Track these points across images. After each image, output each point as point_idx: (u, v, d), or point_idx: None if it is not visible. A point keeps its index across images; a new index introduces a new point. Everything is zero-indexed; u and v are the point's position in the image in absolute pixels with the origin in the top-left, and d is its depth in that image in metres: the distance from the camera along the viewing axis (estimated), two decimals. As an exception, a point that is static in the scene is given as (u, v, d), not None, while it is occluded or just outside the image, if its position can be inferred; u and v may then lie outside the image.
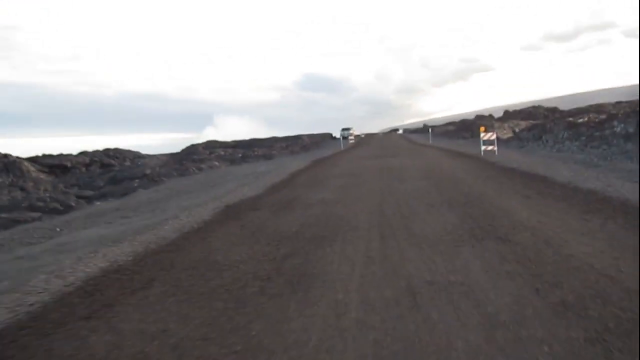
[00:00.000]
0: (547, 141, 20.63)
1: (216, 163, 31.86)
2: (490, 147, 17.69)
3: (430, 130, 43.43)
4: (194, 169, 29.24)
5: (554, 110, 58.39)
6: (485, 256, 4.81)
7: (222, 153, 40.80)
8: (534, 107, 61.08)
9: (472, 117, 79.88)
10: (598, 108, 52.70)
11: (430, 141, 36.33)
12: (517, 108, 63.29)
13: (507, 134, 38.33)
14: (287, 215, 8.32)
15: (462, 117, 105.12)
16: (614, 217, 5.96)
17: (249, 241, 6.50)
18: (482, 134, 18.26)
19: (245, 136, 71.85)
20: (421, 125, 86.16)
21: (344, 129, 58.66)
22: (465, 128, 48.51)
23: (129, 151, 43.46)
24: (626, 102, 56.62)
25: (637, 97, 60.44)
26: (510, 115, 59.83)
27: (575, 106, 57.10)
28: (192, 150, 51.87)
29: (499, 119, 56.46)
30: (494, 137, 17.92)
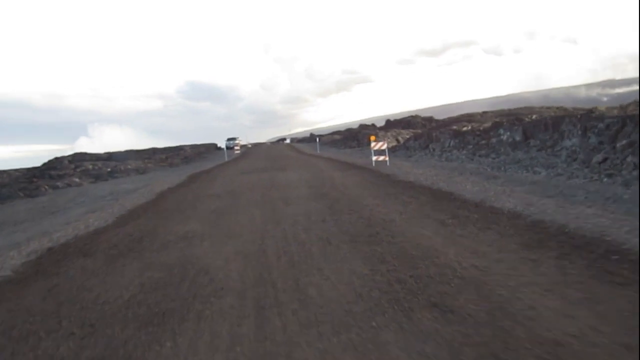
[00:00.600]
0: (434, 150, 20.23)
1: (77, 179, 27.19)
2: (381, 158, 16.54)
3: (317, 139, 42.28)
4: (46, 187, 24.48)
5: (430, 119, 61.68)
6: (430, 351, 2.86)
7: (90, 167, 35.65)
8: (412, 116, 63.96)
9: (356, 126, 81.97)
10: (469, 117, 56.44)
11: (318, 150, 35.17)
12: (397, 117, 66.02)
13: (391, 143, 38.74)
14: (126, 265, 5.72)
15: (346, 126, 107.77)
16: (568, 255, 4.45)
17: (40, 328, 3.88)
18: (372, 144, 17.08)
19: (124, 147, 65.31)
20: (308, 135, 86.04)
21: (229, 139, 55.56)
22: (352, 137, 48.58)
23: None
24: (491, 111, 61.86)
25: (501, 108, 66.30)
26: (391, 124, 61.90)
27: (447, 116, 61.22)
28: (54, 165, 45.04)
29: (382, 128, 57.98)
30: (384, 146, 16.84)
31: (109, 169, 31.99)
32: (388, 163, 16.28)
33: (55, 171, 35.41)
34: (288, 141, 77.90)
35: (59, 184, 25.47)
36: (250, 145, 69.76)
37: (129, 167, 32.36)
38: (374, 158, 16.62)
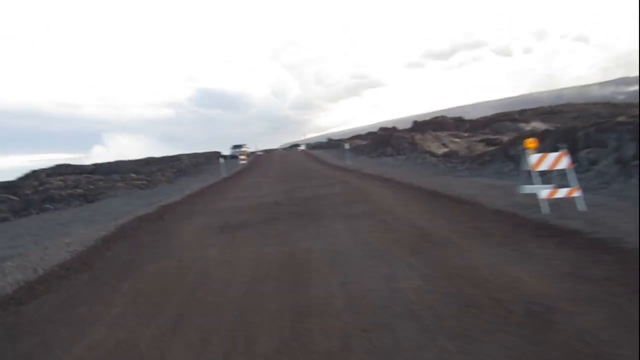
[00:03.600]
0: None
1: None
2: (562, 192, 6.48)
3: (347, 146, 31.66)
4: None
5: (460, 119, 51.85)
6: None
7: (49, 186, 26.39)
8: (439, 117, 54.04)
9: (373, 129, 71.60)
10: (507, 116, 46.37)
11: (349, 160, 25.29)
12: (407, 120, 57.60)
13: (440, 149, 28.82)
14: None
15: (361, 131, 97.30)
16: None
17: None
18: (531, 158, 6.90)
19: (138, 155, 56.64)
20: (324, 140, 75.93)
21: (234, 146, 45.96)
22: (383, 142, 38.41)
23: None
24: (530, 109, 51.86)
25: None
26: (420, 125, 51.90)
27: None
28: (25, 180, 35.98)
29: (410, 130, 47.90)
30: (564, 164, 6.73)
31: (68, 191, 22.68)
32: (583, 205, 6.31)
33: (19, 189, 26.23)
34: (303, 147, 67.02)
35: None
36: (260, 153, 60.04)
37: (91, 187, 22.94)
38: (543, 193, 6.52)
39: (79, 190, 20.32)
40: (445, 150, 27.77)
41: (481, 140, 30.82)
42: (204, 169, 34.48)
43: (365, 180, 14.24)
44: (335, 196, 10.68)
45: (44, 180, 30.64)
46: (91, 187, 22.62)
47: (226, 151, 47.82)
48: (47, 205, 15.49)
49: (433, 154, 26.55)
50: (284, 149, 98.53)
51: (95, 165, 45.82)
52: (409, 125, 59.99)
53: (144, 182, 24.11)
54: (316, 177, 17.34)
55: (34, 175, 41.85)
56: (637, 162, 7.82)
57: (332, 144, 54.91)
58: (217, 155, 46.06)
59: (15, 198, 20.35)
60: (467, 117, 52.73)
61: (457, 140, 33.21)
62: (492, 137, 31.65)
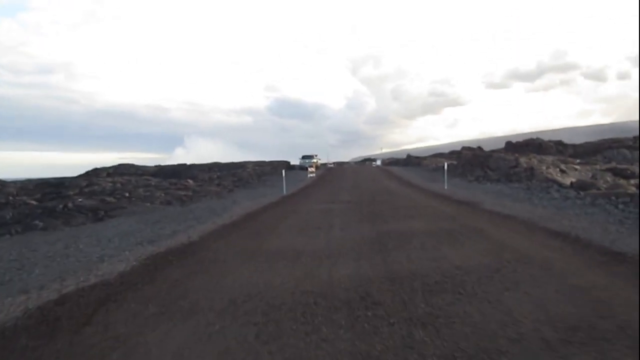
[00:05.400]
0: None
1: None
2: None
3: (445, 166, 23.58)
4: None
5: (561, 143, 43.33)
6: None
7: (96, 188, 22.93)
8: (535, 138, 45.58)
9: (453, 149, 63.71)
10: (616, 142, 39.88)
11: (446, 186, 18.84)
12: (486, 142, 49.40)
13: (567, 178, 21.65)
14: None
15: (438, 149, 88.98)
16: None
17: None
18: None
19: (215, 159, 54.58)
20: (400, 156, 68.97)
21: (304, 157, 40.85)
22: (479, 163, 31.26)
23: None
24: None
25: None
26: (514, 147, 43.96)
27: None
28: (91, 177, 33.55)
29: (504, 151, 40.26)
30: None
31: (91, 202, 18.63)
32: None
33: (64, 189, 22.98)
34: (378, 163, 60.08)
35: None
36: (332, 165, 54.72)
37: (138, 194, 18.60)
38: None
39: (110, 199, 15.85)
40: (572, 180, 20.57)
41: (607, 170, 23.31)
42: (267, 179, 29.59)
43: (506, 228, 7.97)
44: (478, 270, 4.72)
45: (93, 182, 27.25)
46: (126, 195, 18.27)
47: (296, 161, 43.00)
48: (37, 222, 11.09)
49: (559, 184, 19.52)
50: (356, 162, 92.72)
51: (159, 167, 43.04)
52: (490, 145, 51.93)
53: (189, 193, 19.41)
54: (409, 208, 11.28)
55: (95, 172, 39.76)
56: None
57: (411, 161, 48.10)
58: (285, 165, 41.26)
59: (33, 203, 16.40)
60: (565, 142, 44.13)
61: (577, 167, 25.60)
62: (619, 167, 24.14)
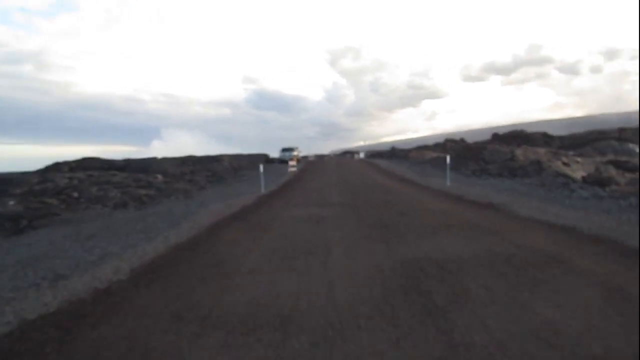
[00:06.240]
0: None
1: None
2: None
3: (447, 159, 18.34)
4: None
5: (546, 134, 41.81)
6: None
7: (51, 186, 19.72)
8: (520, 130, 43.98)
9: (430, 141, 61.64)
10: (602, 134, 39.35)
11: (448, 182, 16.36)
12: (467, 133, 48.29)
13: (579, 173, 19.86)
14: None
15: (417, 142, 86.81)
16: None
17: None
18: None
19: (193, 152, 51.11)
20: (381, 148, 66.46)
21: (284, 149, 37.97)
22: (472, 156, 29.19)
23: None
24: (630, 128, 41.79)
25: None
26: (499, 138, 42.22)
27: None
28: (23, 177, 30.02)
29: (490, 143, 38.47)
30: None
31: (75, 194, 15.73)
32: None
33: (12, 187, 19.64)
34: (362, 155, 56.76)
35: None
36: (313, 158, 51.87)
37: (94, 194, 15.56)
38: None
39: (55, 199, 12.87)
40: (582, 174, 18.55)
41: (608, 162, 21.77)
42: (244, 174, 26.74)
43: (591, 252, 5.45)
44: None
45: (48, 178, 23.86)
46: (74, 195, 15.25)
47: (275, 153, 40.09)
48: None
49: (570, 178, 17.47)
50: (336, 155, 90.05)
51: (127, 161, 39.56)
52: (471, 137, 50.36)
53: (152, 192, 16.48)
54: (420, 213, 8.75)
55: (56, 167, 36.03)
56: None
57: (397, 154, 45.67)
58: (264, 158, 38.28)
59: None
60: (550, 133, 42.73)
61: (579, 160, 23.95)
62: (620, 160, 22.75)
